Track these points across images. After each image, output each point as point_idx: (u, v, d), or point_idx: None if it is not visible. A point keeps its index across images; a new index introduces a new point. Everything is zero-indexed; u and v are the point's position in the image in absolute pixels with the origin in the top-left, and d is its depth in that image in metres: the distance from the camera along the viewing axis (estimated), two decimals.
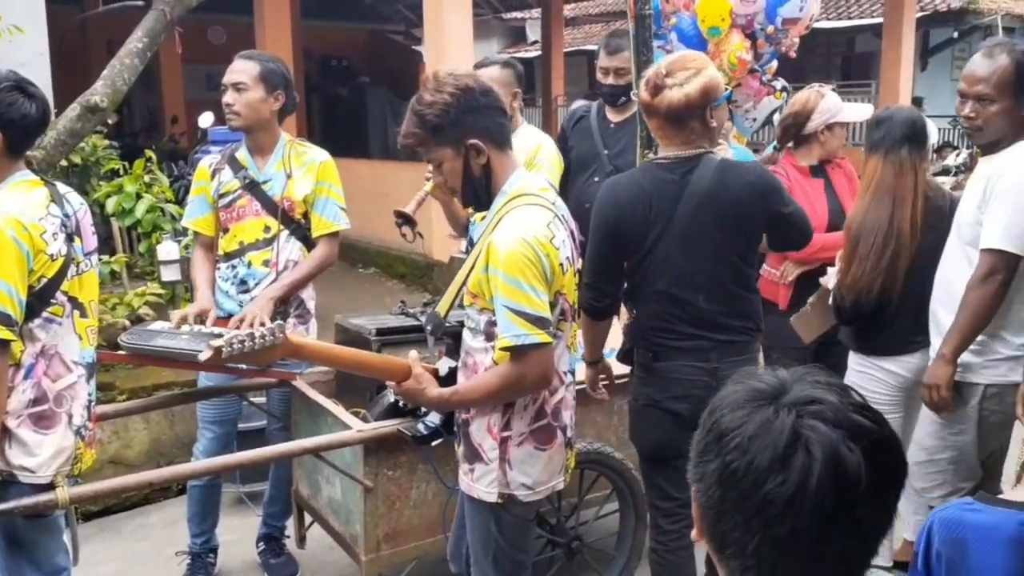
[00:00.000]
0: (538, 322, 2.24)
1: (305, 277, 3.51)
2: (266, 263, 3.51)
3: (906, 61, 12.09)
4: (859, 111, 4.05)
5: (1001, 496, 1.83)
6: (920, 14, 13.07)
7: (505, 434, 2.40)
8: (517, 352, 2.26)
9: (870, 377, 3.35)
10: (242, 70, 3.43)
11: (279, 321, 2.26)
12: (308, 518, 3.51)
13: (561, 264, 2.32)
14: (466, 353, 2.47)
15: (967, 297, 2.85)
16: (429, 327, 2.55)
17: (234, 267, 3.53)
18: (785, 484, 0.98)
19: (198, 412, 3.65)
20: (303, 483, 3.44)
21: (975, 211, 2.90)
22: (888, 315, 3.27)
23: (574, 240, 2.48)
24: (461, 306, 2.50)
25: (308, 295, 3.65)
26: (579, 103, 4.77)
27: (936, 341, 3.03)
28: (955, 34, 15.29)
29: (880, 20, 12.80)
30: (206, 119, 6.67)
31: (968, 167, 12.62)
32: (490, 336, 2.36)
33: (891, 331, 3.31)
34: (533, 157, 3.83)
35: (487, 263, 2.29)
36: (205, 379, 3.56)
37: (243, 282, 3.51)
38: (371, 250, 9.33)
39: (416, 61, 15.00)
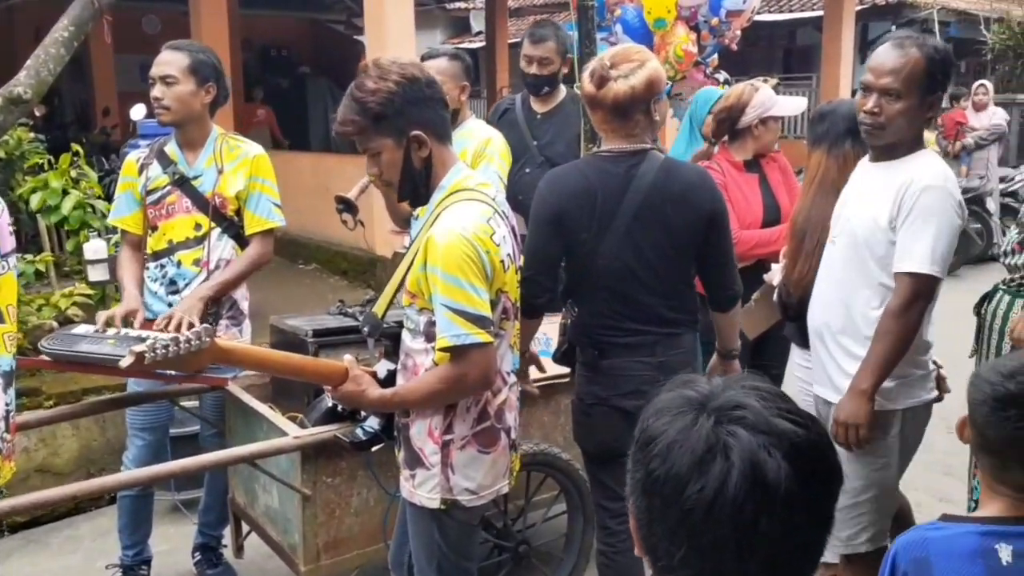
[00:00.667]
0: (478, 321, 2.16)
1: (237, 277, 3.38)
2: (197, 262, 3.37)
3: (846, 54, 12.25)
4: (793, 104, 4.01)
5: (962, 515, 1.83)
6: (859, 7, 13.22)
7: (447, 438, 2.32)
8: (457, 352, 2.18)
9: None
10: (170, 62, 3.27)
11: (206, 324, 2.15)
12: (246, 527, 3.38)
13: (502, 261, 2.24)
14: (405, 355, 2.38)
15: (889, 326, 2.59)
16: (366, 329, 2.44)
17: (163, 267, 3.39)
18: (704, 491, 0.96)
19: (127, 419, 3.50)
20: (239, 491, 3.31)
21: (885, 225, 2.64)
22: None
23: (515, 236, 2.40)
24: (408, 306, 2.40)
25: (241, 295, 3.51)
26: (506, 98, 4.75)
27: (839, 372, 2.79)
28: (893, 27, 15.50)
29: (820, 13, 12.93)
30: (138, 111, 6.43)
31: None
32: (430, 337, 2.27)
33: None
34: (482, 150, 3.76)
35: (425, 260, 2.20)
36: (135, 384, 3.40)
37: (172, 282, 3.37)
38: (312, 245, 9.15)
39: (358, 51, 14.77)
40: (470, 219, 2.20)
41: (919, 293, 2.56)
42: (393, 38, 7.44)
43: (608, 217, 2.67)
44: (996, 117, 10.75)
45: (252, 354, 2.34)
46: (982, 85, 11.06)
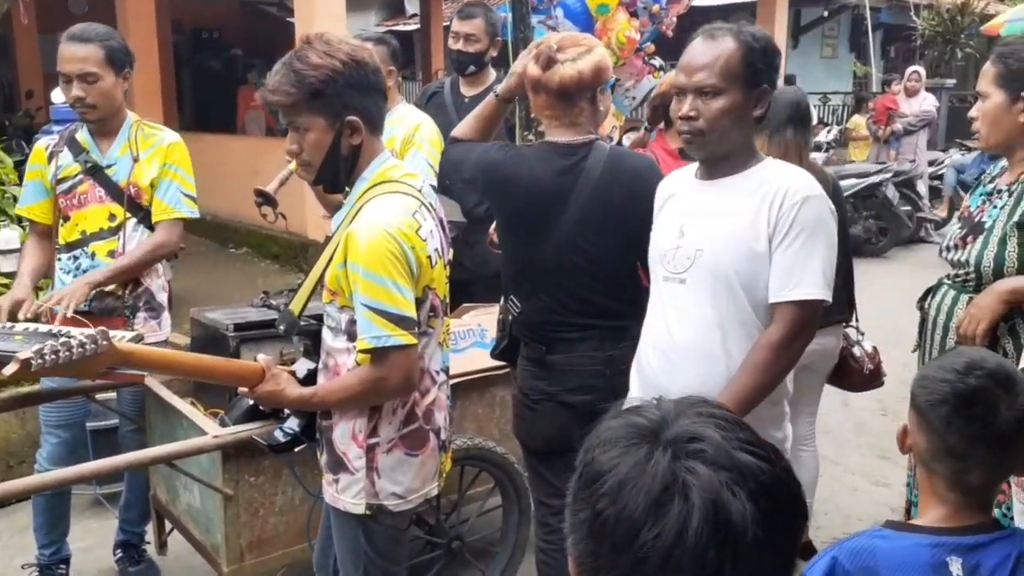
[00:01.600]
0: (401, 322, 2.06)
1: (134, 264, 3.23)
2: (111, 254, 3.23)
3: (780, 40, 12.31)
4: None
5: (908, 522, 1.77)
6: None
7: (372, 441, 2.21)
8: (378, 354, 2.08)
9: None
10: (86, 57, 3.10)
11: (101, 328, 2.00)
12: (169, 523, 3.25)
13: (429, 256, 2.15)
14: (327, 354, 2.27)
15: (766, 359, 2.18)
16: (282, 327, 2.32)
17: (76, 258, 3.24)
18: (661, 536, 0.86)
19: (41, 416, 3.35)
20: (160, 488, 3.19)
21: (764, 251, 2.21)
22: None
23: (443, 229, 2.31)
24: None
25: (158, 286, 3.37)
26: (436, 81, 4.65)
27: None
28: (825, 13, 15.72)
29: None
30: (59, 94, 6.18)
31: (840, 142, 13.01)
32: (352, 335, 2.17)
33: None
34: (411, 136, 3.67)
35: (345, 257, 2.09)
36: (47, 380, 3.25)
37: (86, 274, 3.21)
38: (243, 230, 8.96)
39: (291, 34, 14.47)
40: (394, 213, 2.10)
41: (807, 322, 2.21)
42: (323, 19, 7.28)
43: (555, 211, 2.59)
44: (926, 103, 10.95)
45: (157, 356, 2.20)
46: (915, 71, 11.25)
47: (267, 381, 2.20)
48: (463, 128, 2.86)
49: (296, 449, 2.35)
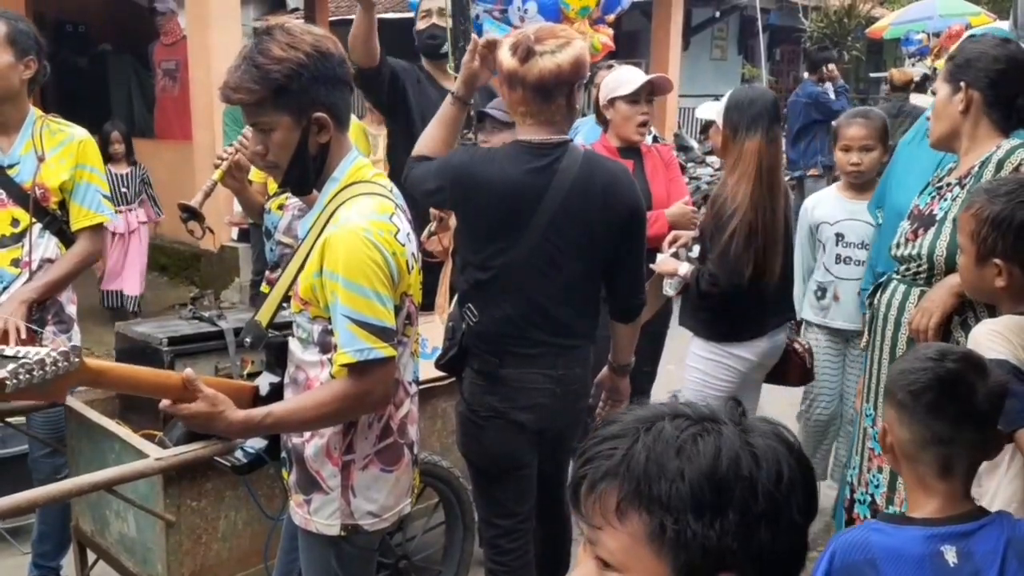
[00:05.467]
0: (383, 333, 1.94)
1: (65, 276, 3.03)
2: (16, 263, 3.00)
3: (675, 39, 12.51)
4: (633, 77, 3.82)
5: (900, 513, 1.83)
6: None
7: (347, 458, 2.08)
8: (359, 368, 1.94)
9: (719, 364, 3.38)
10: None
11: (74, 344, 1.83)
12: (92, 555, 3.02)
13: (407, 262, 2.03)
14: (296, 368, 2.13)
15: None
16: (248, 340, 2.15)
17: None
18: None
19: None
20: (85, 517, 2.94)
21: None
22: (756, 294, 3.24)
23: (414, 230, 2.19)
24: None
25: (66, 298, 3.15)
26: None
27: None
28: (716, 14, 16.00)
29: None
30: None
31: None
32: (325, 347, 2.04)
33: (751, 314, 3.31)
34: None
35: (321, 265, 1.95)
36: None
37: (18, 291, 2.97)
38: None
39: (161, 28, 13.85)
40: (372, 217, 1.97)
41: None
42: (217, 13, 7.02)
43: (525, 217, 2.48)
44: None
45: (128, 374, 1.98)
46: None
47: (200, 400, 1.92)
48: (426, 143, 2.70)
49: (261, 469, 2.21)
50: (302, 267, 2.04)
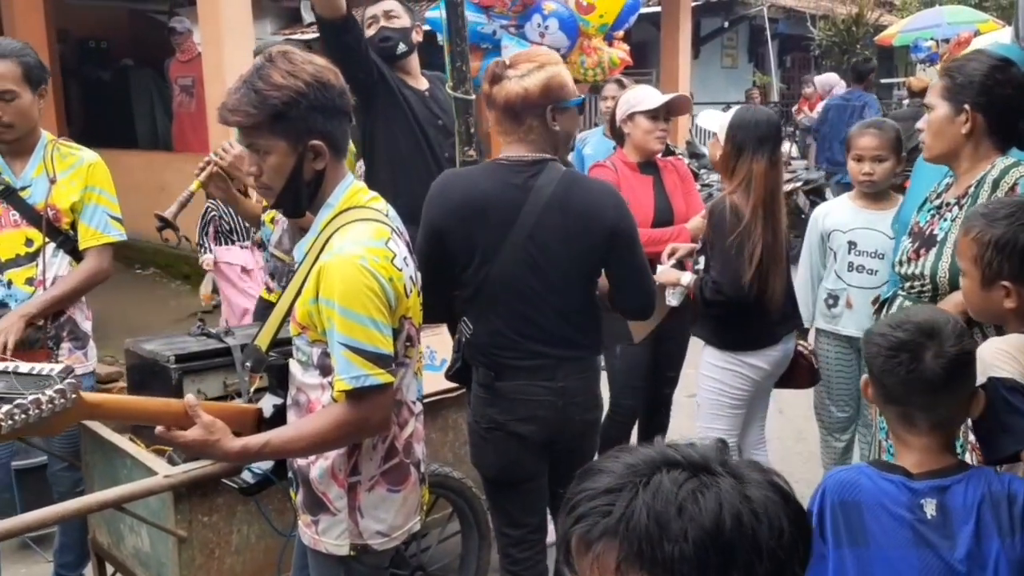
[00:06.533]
0: (380, 360, 1.95)
1: (68, 294, 3.08)
2: (30, 281, 3.05)
3: (684, 49, 12.54)
4: (654, 97, 3.88)
5: (889, 462, 1.94)
6: (693, 4, 13.56)
7: (353, 479, 2.09)
8: (356, 395, 1.95)
9: (733, 373, 3.40)
10: (4, 74, 2.94)
11: (70, 380, 1.82)
12: (110, 567, 3.03)
13: (404, 286, 2.03)
14: (297, 390, 2.14)
15: None
16: (249, 363, 2.18)
17: None
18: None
19: None
20: (102, 530, 2.97)
21: None
22: (760, 310, 3.27)
23: (411, 253, 2.19)
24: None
25: (81, 315, 3.20)
26: None
27: None
28: (725, 24, 16.04)
29: (657, 9, 13.19)
30: None
31: None
32: (325, 370, 2.05)
33: (760, 326, 3.33)
34: None
35: (317, 291, 1.96)
36: None
37: (3, 304, 3.04)
38: (149, 249, 8.58)
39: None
40: (367, 244, 1.98)
41: None
42: (230, 29, 7.08)
43: (503, 230, 2.51)
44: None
45: (125, 406, 2.01)
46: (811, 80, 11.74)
47: (197, 427, 1.92)
48: None
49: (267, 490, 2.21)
50: (299, 293, 2.05)
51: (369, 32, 3.89)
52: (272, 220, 3.57)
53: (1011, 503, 1.81)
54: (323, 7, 3.44)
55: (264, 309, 3.62)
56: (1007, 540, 1.79)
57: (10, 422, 1.69)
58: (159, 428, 1.94)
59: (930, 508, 1.82)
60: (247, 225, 5.22)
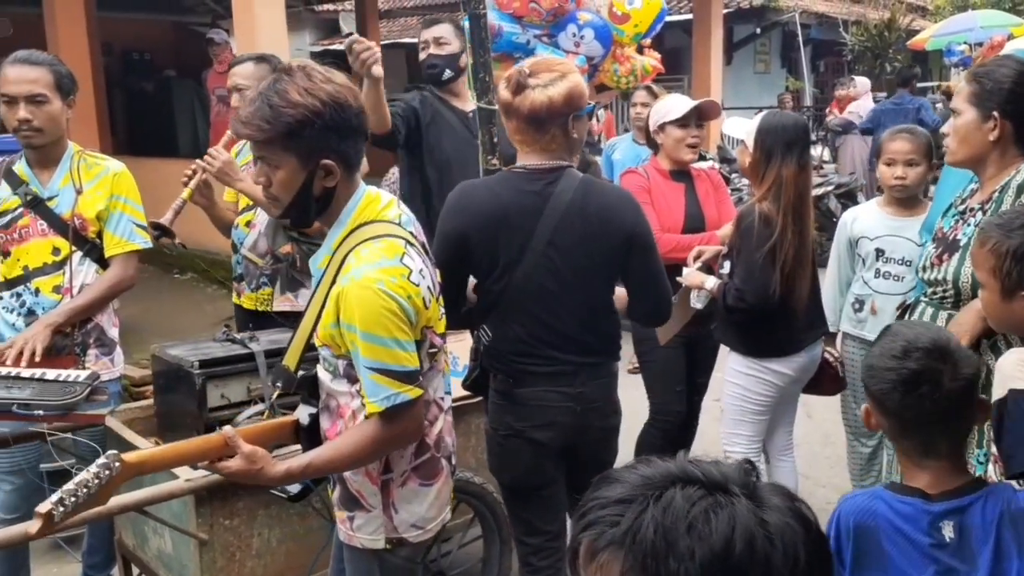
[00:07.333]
0: (407, 377, 1.98)
1: (93, 302, 3.13)
2: (57, 289, 3.12)
3: (716, 55, 12.50)
4: (682, 105, 3.90)
5: (905, 484, 1.88)
6: (725, 11, 13.52)
7: (386, 477, 2.14)
8: (388, 414, 1.98)
9: (758, 380, 3.40)
10: (36, 79, 3.01)
11: (112, 451, 1.85)
12: (136, 568, 3.09)
13: (423, 298, 2.04)
14: (328, 395, 2.17)
15: None
16: (279, 383, 2.22)
17: (19, 295, 3.11)
18: None
19: None
20: (127, 532, 3.03)
21: None
22: (785, 316, 3.27)
23: (427, 255, 2.20)
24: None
25: (109, 322, 3.26)
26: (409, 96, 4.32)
27: None
28: (757, 30, 15.99)
29: (688, 17, 13.17)
30: None
31: None
32: (351, 379, 2.07)
33: (784, 332, 3.34)
34: None
35: (338, 316, 1.98)
36: None
37: (31, 312, 3.11)
38: (187, 255, 8.68)
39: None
40: (381, 265, 1.97)
41: None
42: (264, 39, 7.17)
43: (523, 238, 2.53)
44: (847, 112, 11.22)
45: (168, 456, 2.01)
46: (852, 80, 11.66)
47: (239, 458, 1.96)
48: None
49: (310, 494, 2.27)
50: (319, 316, 2.07)
51: (421, 56, 4.09)
52: (247, 224, 3.62)
53: None
54: (373, 126, 3.58)
55: (241, 315, 3.69)
56: None
57: (61, 509, 1.73)
58: (203, 463, 1.99)
59: (948, 530, 1.78)
60: None
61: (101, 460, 1.81)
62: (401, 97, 4.20)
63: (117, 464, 1.82)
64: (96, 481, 1.78)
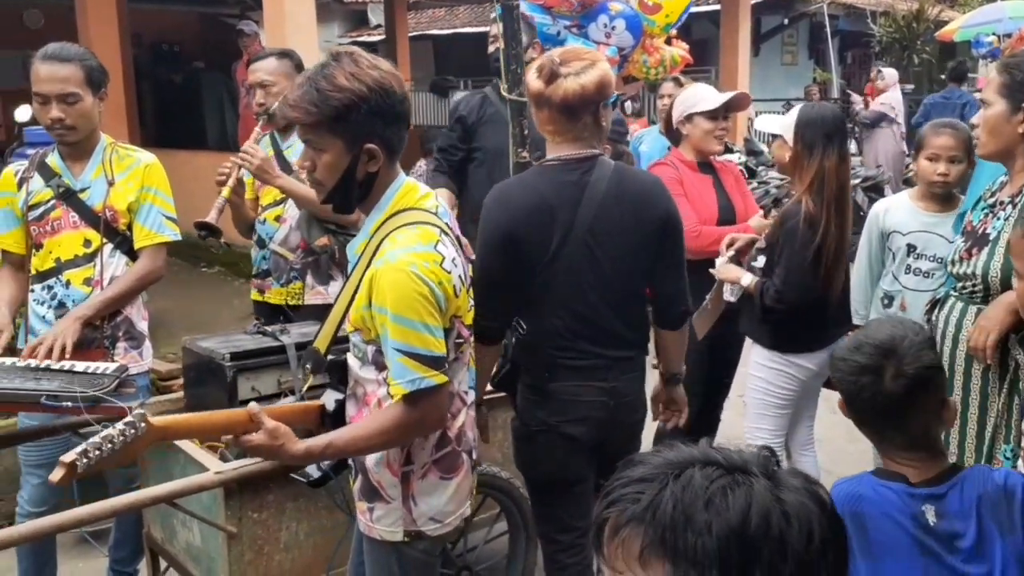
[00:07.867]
0: (434, 363, 2.00)
1: (122, 294, 3.13)
2: (87, 281, 3.12)
3: (743, 47, 12.39)
4: (715, 97, 3.87)
5: (889, 470, 1.92)
6: (753, 1, 13.41)
7: (406, 469, 2.15)
8: (413, 397, 2.00)
9: (781, 374, 3.40)
10: (68, 77, 3.00)
11: (140, 410, 1.87)
12: (164, 562, 3.12)
13: (454, 286, 2.06)
14: (355, 383, 2.19)
15: None
16: (309, 366, 2.26)
17: (50, 287, 3.12)
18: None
19: (20, 455, 3.22)
20: (155, 525, 3.06)
21: None
22: (817, 312, 3.28)
23: (461, 249, 2.22)
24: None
25: (138, 315, 3.26)
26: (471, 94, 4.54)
27: None
28: (785, 21, 15.85)
29: (716, 7, 13.06)
30: (23, 112, 5.98)
31: None
32: (380, 366, 2.09)
33: (813, 328, 3.34)
34: None
35: (370, 298, 2.01)
36: (26, 418, 3.11)
37: (62, 304, 3.11)
38: (224, 250, 8.76)
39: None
40: (416, 249, 2.01)
41: None
42: (293, 32, 7.19)
43: (565, 228, 2.51)
44: (877, 104, 11.11)
45: (193, 424, 2.07)
46: (879, 72, 11.55)
47: (261, 433, 1.99)
48: None
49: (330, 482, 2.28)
50: (352, 299, 2.10)
51: (490, 48, 4.23)
52: (276, 218, 3.64)
53: (1009, 500, 1.80)
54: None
55: (259, 310, 3.72)
56: (1009, 538, 1.78)
57: (85, 460, 1.76)
58: (227, 436, 2.03)
59: (931, 515, 1.82)
60: None
61: (128, 418, 1.84)
62: (462, 99, 4.58)
63: (143, 424, 1.84)
64: (121, 438, 1.80)
